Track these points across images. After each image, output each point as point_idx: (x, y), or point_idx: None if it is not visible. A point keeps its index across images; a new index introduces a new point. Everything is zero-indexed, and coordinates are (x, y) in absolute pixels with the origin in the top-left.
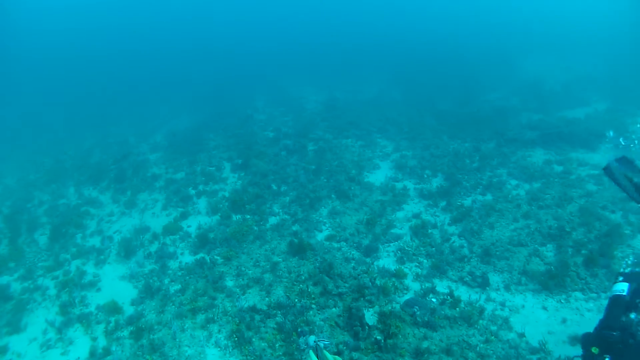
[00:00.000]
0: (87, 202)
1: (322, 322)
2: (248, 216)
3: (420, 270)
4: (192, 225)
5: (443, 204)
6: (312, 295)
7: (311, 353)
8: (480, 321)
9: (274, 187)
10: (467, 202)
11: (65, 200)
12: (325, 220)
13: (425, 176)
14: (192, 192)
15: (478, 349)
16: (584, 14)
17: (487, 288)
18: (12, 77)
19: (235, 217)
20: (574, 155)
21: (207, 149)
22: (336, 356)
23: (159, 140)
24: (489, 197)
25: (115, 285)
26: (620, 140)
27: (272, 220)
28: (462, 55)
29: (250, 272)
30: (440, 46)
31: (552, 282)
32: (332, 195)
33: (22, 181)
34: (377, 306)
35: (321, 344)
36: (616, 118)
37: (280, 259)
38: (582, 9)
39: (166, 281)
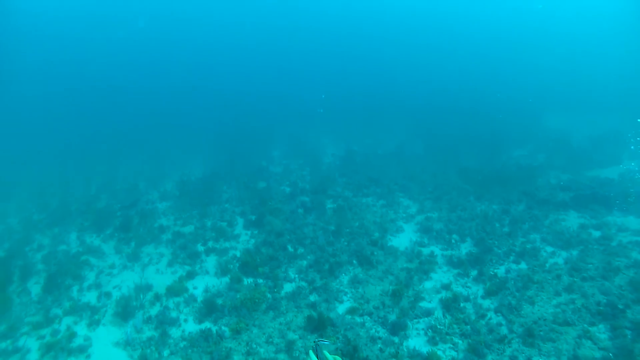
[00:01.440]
0: (88, 251)
1: None
2: (261, 280)
3: (455, 353)
4: (198, 286)
5: (474, 273)
6: None
7: (311, 353)
8: None
9: (290, 249)
10: (501, 271)
11: (66, 246)
12: (346, 290)
13: (453, 241)
14: (201, 248)
15: None
16: (608, 67)
17: None
18: (23, 109)
19: (247, 281)
20: (611, 219)
21: (219, 202)
22: (336, 356)
23: (170, 188)
24: (523, 265)
25: (107, 352)
26: None
27: (288, 287)
28: (485, 108)
29: (262, 350)
30: (462, 98)
31: None
32: (354, 261)
33: (24, 221)
34: None
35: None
36: None
37: (296, 336)
38: (606, 61)
39: (165, 353)
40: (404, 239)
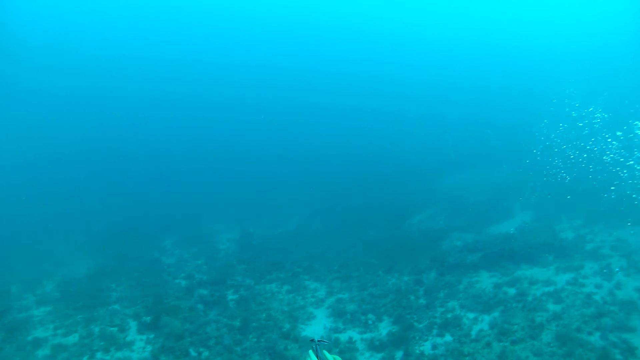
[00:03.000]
0: None
1: None
2: None
3: None
4: None
5: (400, 354)
6: None
7: (311, 353)
8: None
9: (193, 354)
10: (427, 348)
11: None
12: None
13: (370, 322)
14: None
15: None
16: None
17: None
18: None
19: None
20: (520, 274)
21: (108, 303)
22: (336, 356)
23: (50, 289)
24: (449, 337)
25: None
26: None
27: None
28: (379, 176)
29: None
30: (356, 167)
31: None
32: None
33: None
34: None
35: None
36: (547, 227)
37: None
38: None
39: None
40: (317, 326)
